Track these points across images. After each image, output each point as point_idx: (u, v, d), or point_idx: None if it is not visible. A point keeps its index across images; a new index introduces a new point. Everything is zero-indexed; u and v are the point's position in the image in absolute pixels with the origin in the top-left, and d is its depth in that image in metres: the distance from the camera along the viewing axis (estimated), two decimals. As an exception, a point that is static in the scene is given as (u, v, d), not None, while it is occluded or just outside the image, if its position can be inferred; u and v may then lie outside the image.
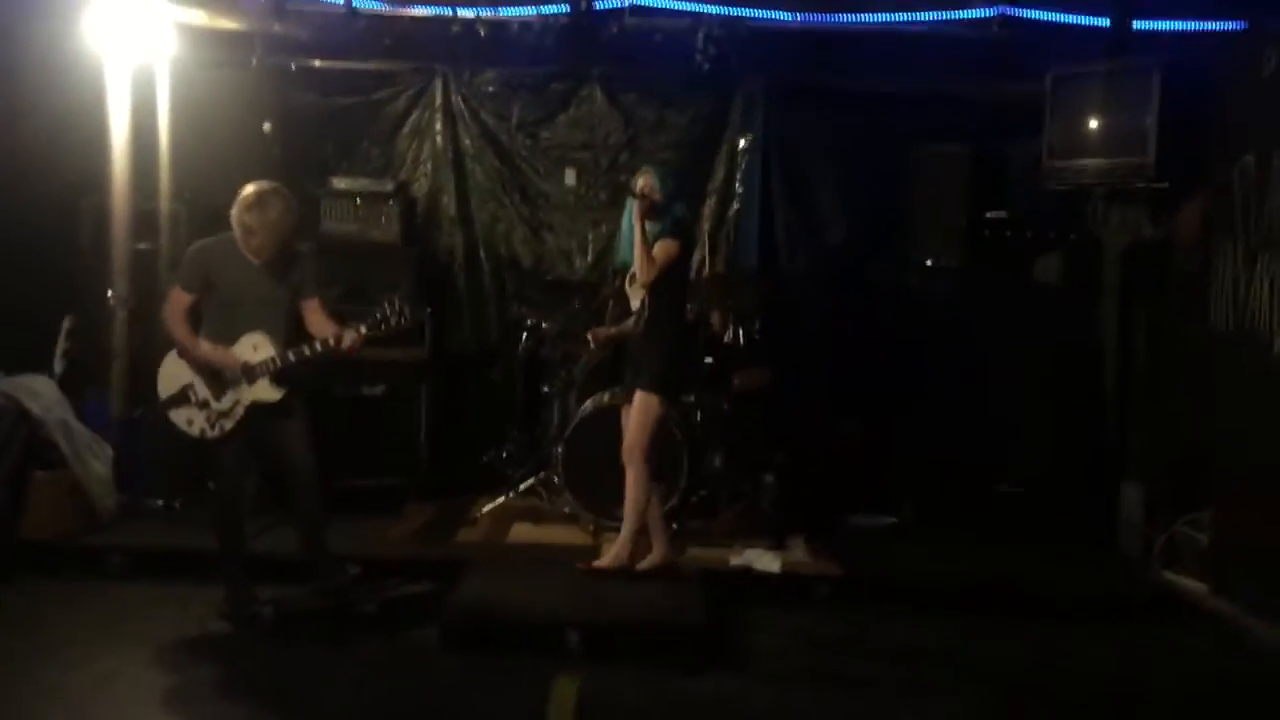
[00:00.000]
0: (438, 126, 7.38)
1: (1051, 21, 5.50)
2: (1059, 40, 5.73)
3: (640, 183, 5.23)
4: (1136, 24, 5.51)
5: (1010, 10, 5.43)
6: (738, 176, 7.23)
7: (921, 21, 5.60)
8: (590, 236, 7.43)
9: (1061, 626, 5.29)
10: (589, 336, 6.11)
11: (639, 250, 5.13)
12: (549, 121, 7.40)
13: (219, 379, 4.85)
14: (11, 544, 5.33)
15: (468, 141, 7.42)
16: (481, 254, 7.50)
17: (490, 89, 7.34)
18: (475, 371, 7.39)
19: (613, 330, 5.98)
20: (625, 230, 5.39)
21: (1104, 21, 5.56)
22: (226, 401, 4.86)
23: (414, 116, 7.40)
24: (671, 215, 5.24)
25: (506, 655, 4.62)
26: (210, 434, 4.86)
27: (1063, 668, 4.89)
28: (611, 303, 6.57)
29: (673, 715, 4.25)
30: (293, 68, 6.91)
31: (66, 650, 4.56)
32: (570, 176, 7.44)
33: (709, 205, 7.38)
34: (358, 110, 7.32)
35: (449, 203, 7.43)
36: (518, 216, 7.48)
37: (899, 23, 5.59)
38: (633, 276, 5.28)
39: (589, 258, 7.42)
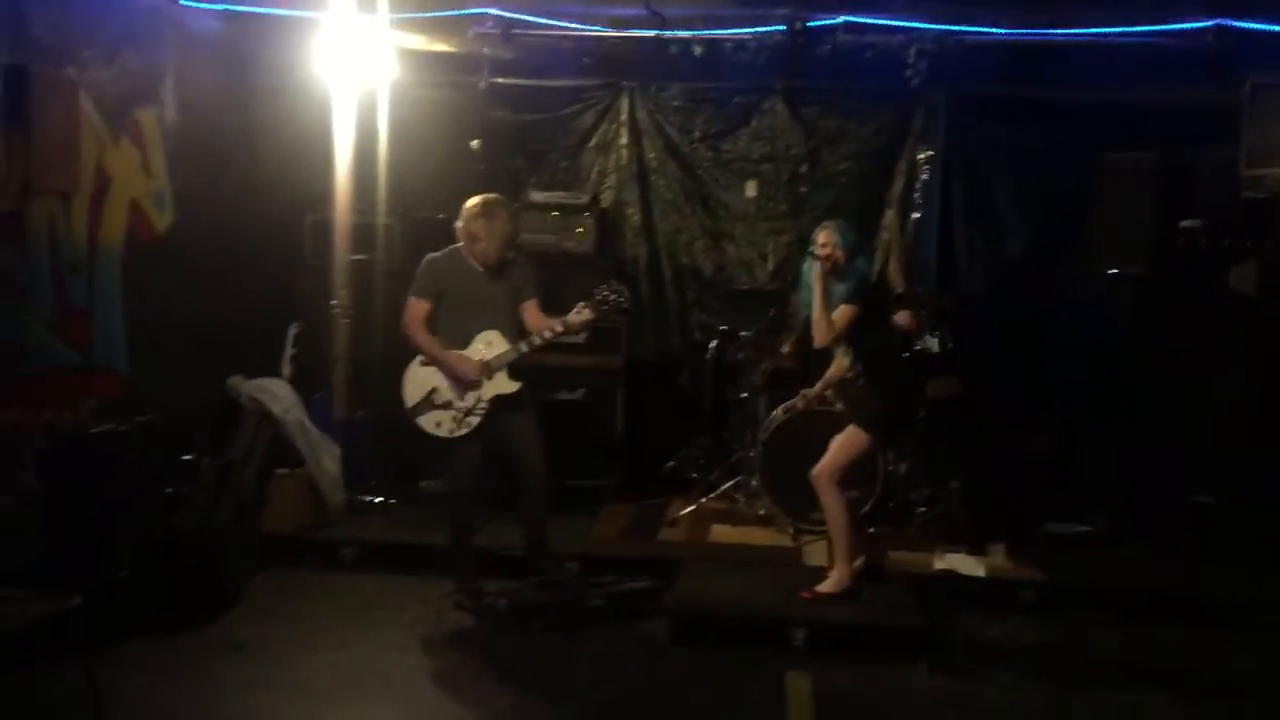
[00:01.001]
0: (623, 140, 7.64)
1: (1268, 31, 5.48)
2: (1268, 49, 5.70)
3: (821, 239, 5.14)
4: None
5: (1228, 21, 5.44)
6: (917, 187, 7.33)
7: (1136, 33, 5.63)
8: (770, 246, 7.59)
9: (1269, 638, 5.29)
10: (799, 396, 6.01)
11: (819, 312, 5.03)
12: (731, 134, 7.60)
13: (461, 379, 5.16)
14: (258, 537, 5.70)
15: (651, 155, 7.65)
16: (664, 263, 7.73)
17: (675, 103, 7.57)
18: (660, 377, 7.60)
19: (819, 388, 5.80)
20: (805, 281, 5.27)
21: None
22: (470, 399, 5.17)
23: (600, 130, 7.67)
24: (856, 273, 5.13)
25: (734, 650, 4.83)
26: (458, 432, 5.16)
27: (1275, 676, 4.91)
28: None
29: (904, 712, 4.40)
30: (484, 86, 7.16)
31: (322, 635, 4.93)
32: (751, 188, 7.62)
33: (889, 215, 7.49)
34: (547, 125, 7.62)
35: (633, 214, 7.68)
36: (699, 227, 7.70)
37: (1112, 34, 5.63)
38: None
39: (769, 267, 7.58)
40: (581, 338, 6.32)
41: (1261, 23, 5.41)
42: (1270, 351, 6.66)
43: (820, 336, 5.11)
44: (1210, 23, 5.46)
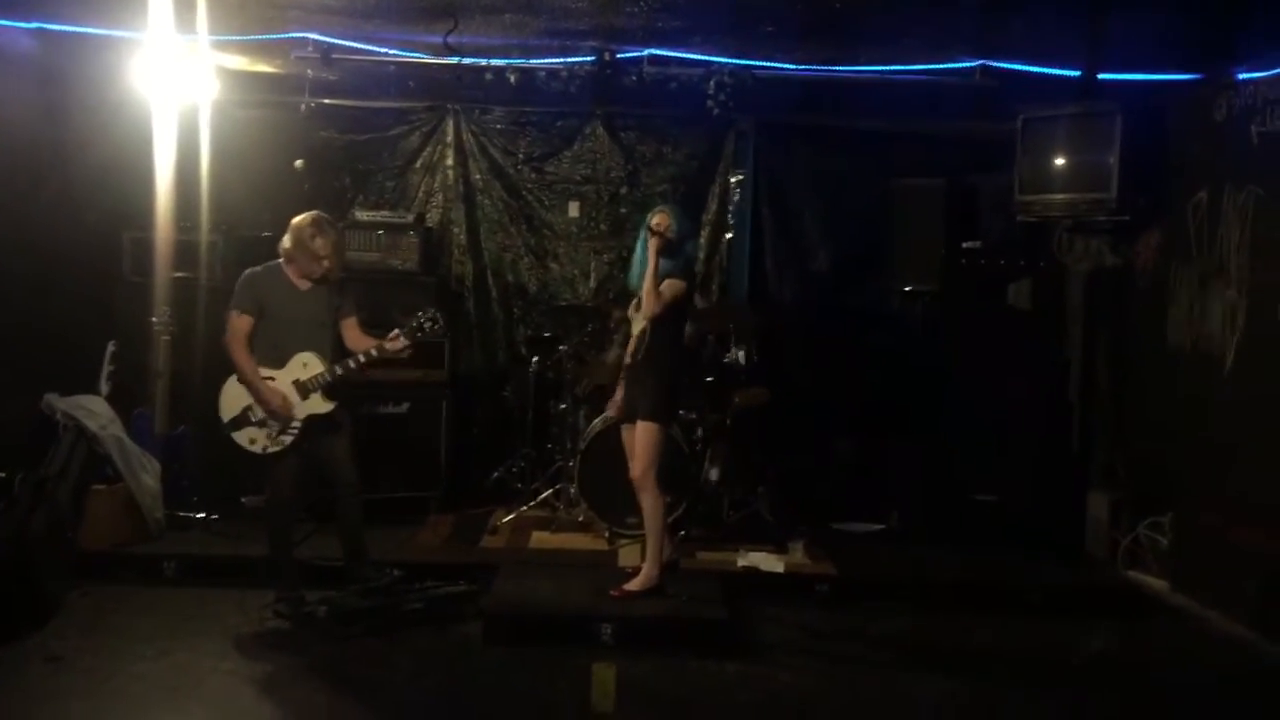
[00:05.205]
0: (449, 161, 7.88)
1: (1027, 71, 6.07)
2: (1032, 87, 6.31)
3: (656, 220, 5.50)
4: (1103, 75, 6.09)
5: (990, 62, 6.01)
6: (730, 209, 7.79)
7: (913, 71, 6.16)
8: (592, 264, 7.93)
9: (1039, 620, 5.83)
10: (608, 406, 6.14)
11: (648, 284, 5.38)
12: (554, 157, 7.93)
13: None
14: (75, 553, 5.69)
15: (477, 176, 7.92)
16: (490, 280, 7.99)
17: (499, 126, 7.87)
18: (485, 391, 7.86)
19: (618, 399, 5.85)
20: (637, 259, 5.61)
21: (1074, 73, 6.13)
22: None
23: (427, 151, 7.90)
24: (684, 255, 5.54)
25: (545, 647, 5.09)
26: (271, 449, 5.29)
27: (1043, 653, 5.42)
28: (621, 325, 7.01)
29: (700, 694, 4.73)
30: (308, 107, 7.27)
31: (142, 646, 4.97)
32: (573, 208, 7.96)
33: (703, 236, 7.90)
34: (373, 145, 7.82)
35: (459, 233, 7.92)
36: (524, 246, 7.99)
37: (892, 72, 6.15)
38: (637, 303, 5.57)
39: (591, 284, 7.91)
40: (405, 353, 6.49)
41: (1020, 63, 5.99)
42: (1044, 360, 7.30)
43: (648, 308, 5.39)
44: (976, 63, 6.01)
